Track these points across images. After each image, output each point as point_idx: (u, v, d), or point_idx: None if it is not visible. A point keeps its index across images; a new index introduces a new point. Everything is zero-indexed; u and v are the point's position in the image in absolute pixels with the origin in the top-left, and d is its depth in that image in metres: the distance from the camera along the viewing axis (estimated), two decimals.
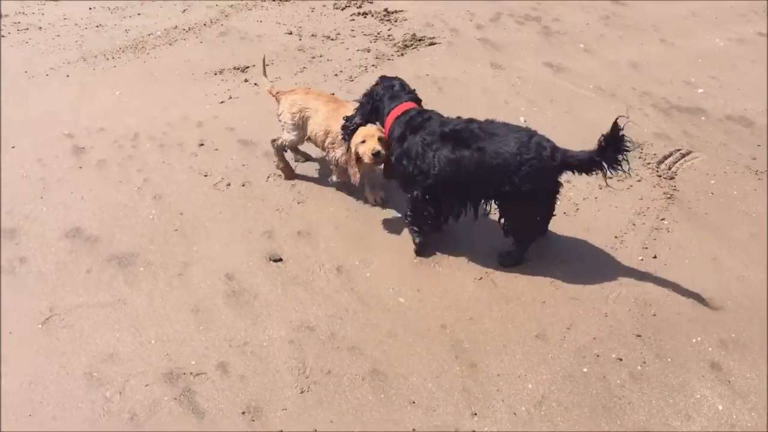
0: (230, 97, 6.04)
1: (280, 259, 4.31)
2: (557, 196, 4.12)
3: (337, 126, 4.52)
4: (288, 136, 4.79)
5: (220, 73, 6.45)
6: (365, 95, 4.51)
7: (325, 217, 4.66)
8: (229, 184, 4.95)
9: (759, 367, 3.55)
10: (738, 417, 3.31)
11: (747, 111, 5.77)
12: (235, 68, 6.52)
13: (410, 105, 4.37)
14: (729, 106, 5.85)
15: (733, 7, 7.95)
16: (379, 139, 4.27)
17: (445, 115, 4.29)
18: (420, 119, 4.21)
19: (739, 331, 3.76)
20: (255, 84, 6.24)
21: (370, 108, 4.45)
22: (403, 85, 4.51)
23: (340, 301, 4.00)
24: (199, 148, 5.35)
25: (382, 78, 4.57)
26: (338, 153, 4.61)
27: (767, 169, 4.95)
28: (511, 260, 4.27)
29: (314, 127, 4.67)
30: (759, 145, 5.30)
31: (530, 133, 3.98)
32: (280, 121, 4.79)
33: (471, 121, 4.12)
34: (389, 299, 4.02)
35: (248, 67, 6.53)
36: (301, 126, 4.73)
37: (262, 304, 3.99)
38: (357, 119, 4.37)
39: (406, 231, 4.51)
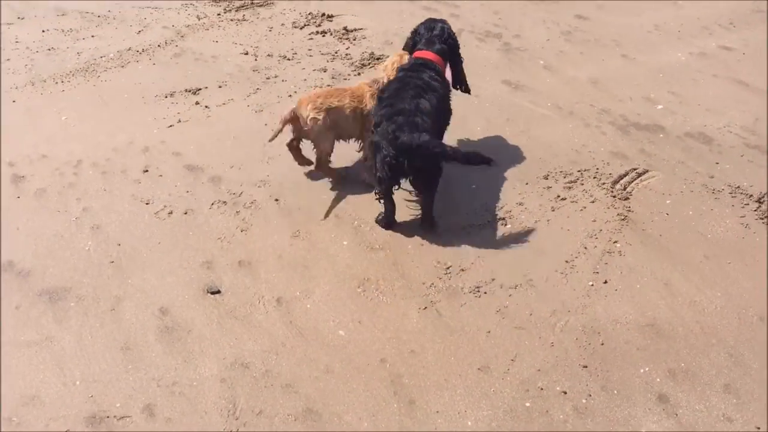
0: (179, 121, 5.88)
1: (218, 291, 4.15)
2: None
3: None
4: None
5: (171, 95, 6.29)
6: (412, 32, 5.02)
7: (268, 245, 4.50)
8: (171, 213, 4.79)
9: (708, 398, 3.42)
10: None
11: (706, 127, 5.68)
12: (186, 90, 6.36)
13: (426, 55, 4.70)
14: (688, 122, 5.76)
15: (699, 19, 7.90)
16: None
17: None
18: (395, 80, 4.59)
19: (689, 360, 3.63)
20: (206, 107, 6.09)
21: (411, 47, 4.92)
22: (442, 32, 4.81)
23: (277, 335, 3.84)
24: (143, 175, 5.18)
25: (429, 19, 5.02)
26: None
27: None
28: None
29: None
30: (717, 163, 5.21)
31: None
32: None
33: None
34: (329, 332, 3.86)
35: (200, 89, 6.38)
36: None
37: (195, 340, 3.82)
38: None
39: (350, 257, 4.36)
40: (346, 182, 5.05)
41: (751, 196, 4.82)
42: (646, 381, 3.52)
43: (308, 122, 4.73)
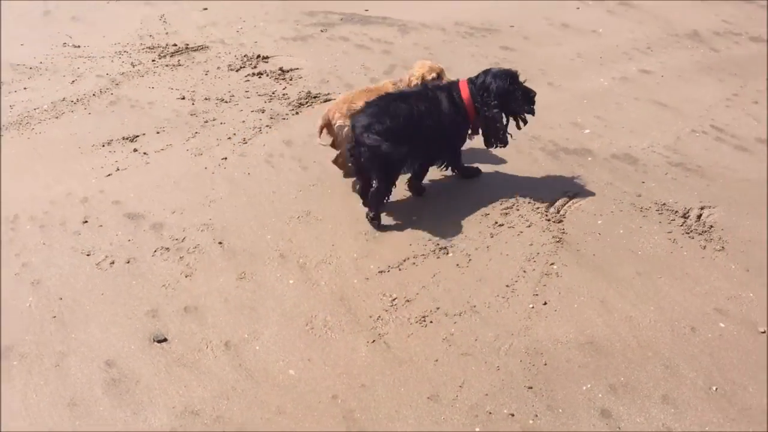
0: (118, 169, 5.86)
1: (165, 340, 4.13)
2: None
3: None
4: None
5: (109, 144, 6.27)
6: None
7: (214, 289, 4.51)
8: (113, 263, 4.75)
9: (648, 410, 3.56)
10: None
11: (631, 148, 5.95)
12: (124, 138, 6.35)
13: (461, 84, 5.15)
14: (614, 144, 6.03)
15: (618, 46, 8.28)
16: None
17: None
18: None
19: (628, 374, 3.78)
20: (144, 153, 6.08)
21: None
22: (488, 76, 5.09)
23: (227, 379, 3.84)
24: (83, 226, 5.14)
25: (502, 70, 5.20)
26: None
27: None
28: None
29: None
30: (643, 182, 5.45)
31: None
32: None
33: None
34: (279, 373, 3.89)
35: (138, 136, 6.38)
36: None
37: (143, 391, 3.79)
38: None
39: (297, 296, 4.41)
40: (291, 220, 5.10)
41: (677, 212, 5.06)
42: (588, 397, 3.65)
43: (335, 129, 5.09)
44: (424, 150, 5.10)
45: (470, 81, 5.14)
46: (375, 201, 5.00)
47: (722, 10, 9.30)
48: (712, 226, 4.90)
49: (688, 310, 4.18)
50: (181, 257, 4.79)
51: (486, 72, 5.13)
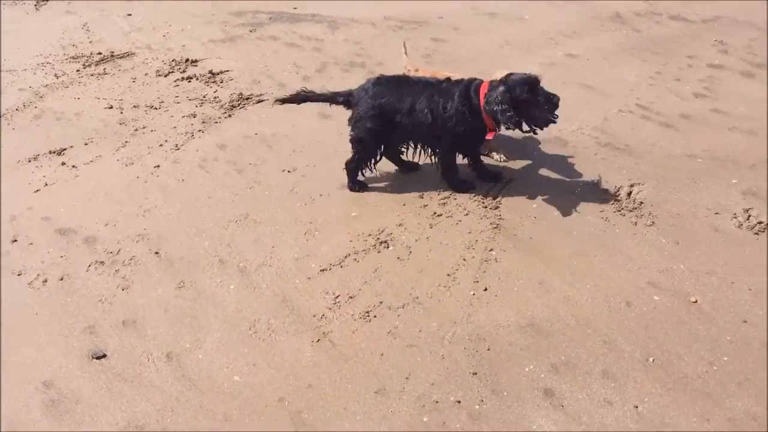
0: (46, 185, 5.68)
1: (104, 355, 4.03)
2: None
3: None
4: None
5: (35, 159, 6.07)
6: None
7: (152, 300, 4.42)
8: (45, 281, 4.61)
9: (589, 386, 3.65)
10: None
11: (561, 131, 6.08)
12: (51, 152, 6.16)
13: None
14: (544, 129, 6.11)
15: (545, 32, 8.43)
16: None
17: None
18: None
19: (568, 352, 3.86)
20: (73, 166, 5.91)
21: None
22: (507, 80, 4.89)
23: (170, 391, 3.78)
24: (12, 245, 4.97)
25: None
26: None
27: None
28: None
29: None
30: (574, 164, 5.57)
31: None
32: None
33: None
34: (224, 380, 3.84)
35: (65, 149, 6.20)
36: None
37: (84, 410, 3.69)
38: None
39: (238, 301, 4.36)
40: (229, 225, 5.04)
41: (608, 191, 5.20)
42: (531, 378, 3.72)
43: None
44: (417, 139, 5.23)
45: (491, 84, 4.96)
46: (347, 169, 5.37)
47: None
48: (642, 203, 5.04)
49: (622, 286, 4.29)
50: (116, 270, 4.68)
51: (507, 77, 4.91)
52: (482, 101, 4.91)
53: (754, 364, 3.73)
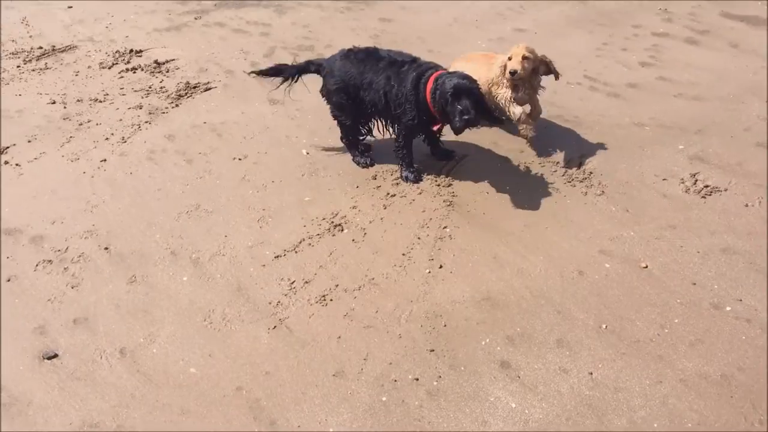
0: None
1: (56, 355, 3.94)
2: None
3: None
4: None
5: None
6: None
7: (103, 296, 4.33)
8: None
9: (544, 356, 3.69)
10: (530, 411, 3.42)
11: None
12: None
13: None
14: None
15: (492, 7, 8.43)
16: (524, 57, 4.97)
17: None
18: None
19: (523, 324, 3.90)
20: (17, 164, 5.75)
21: None
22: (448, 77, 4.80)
23: (125, 387, 3.71)
24: None
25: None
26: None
27: None
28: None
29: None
30: (524, 138, 5.59)
31: None
32: None
33: None
34: (179, 373, 3.79)
35: (8, 147, 6.01)
36: None
37: (37, 411, 3.61)
38: None
39: (192, 292, 4.30)
40: (180, 216, 4.96)
41: (558, 162, 5.24)
42: (488, 352, 3.75)
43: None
44: (379, 115, 5.25)
45: (438, 78, 4.84)
46: (345, 144, 5.50)
47: None
48: (591, 173, 5.10)
49: (574, 255, 4.34)
50: (65, 268, 4.57)
51: (450, 74, 4.83)
52: (428, 95, 4.84)
53: (704, 324, 3.80)
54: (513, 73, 4.92)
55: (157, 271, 4.51)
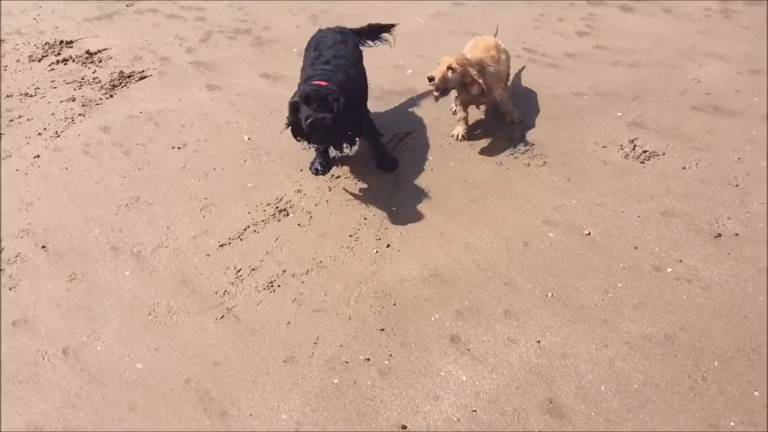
0: None
1: None
2: None
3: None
4: None
5: None
6: None
7: (42, 296, 4.21)
8: None
9: (492, 327, 3.71)
10: (481, 383, 3.44)
11: None
12: None
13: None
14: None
15: None
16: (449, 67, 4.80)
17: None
18: None
19: (472, 297, 3.91)
20: None
21: None
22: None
23: (69, 387, 3.62)
24: None
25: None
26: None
27: None
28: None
29: None
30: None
31: None
32: None
33: None
34: (125, 369, 3.71)
35: None
36: None
37: None
38: None
39: (135, 286, 4.20)
40: (119, 210, 4.83)
41: (500, 136, 5.25)
42: (438, 327, 3.75)
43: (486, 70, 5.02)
44: None
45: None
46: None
47: None
48: (533, 144, 5.13)
49: (519, 227, 4.37)
50: (1, 269, 4.42)
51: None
52: None
53: (646, 287, 3.87)
54: (430, 79, 4.84)
55: (97, 267, 4.40)
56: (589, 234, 4.26)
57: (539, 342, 3.61)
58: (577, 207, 4.49)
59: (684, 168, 4.74)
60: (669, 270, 3.96)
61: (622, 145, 5.03)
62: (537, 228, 4.35)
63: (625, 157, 4.92)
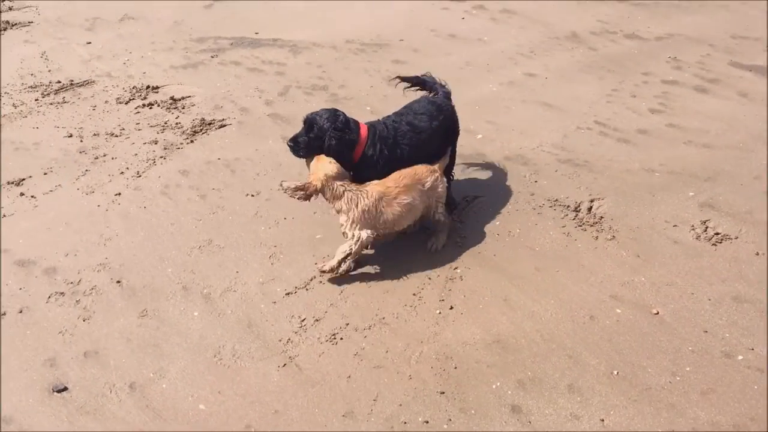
0: (4, 216, 5.57)
1: (65, 388, 3.95)
2: None
3: None
4: None
5: None
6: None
7: (114, 330, 4.35)
8: (4, 314, 4.51)
9: (555, 401, 3.67)
10: None
11: (522, 149, 6.16)
12: (9, 183, 6.05)
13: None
14: (506, 147, 6.22)
15: (503, 52, 8.55)
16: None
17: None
18: None
19: (534, 368, 3.88)
20: (32, 196, 5.81)
21: None
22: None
23: (134, 422, 3.71)
24: None
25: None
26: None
27: None
28: None
29: None
30: (536, 181, 5.64)
31: None
32: None
33: None
34: (189, 409, 3.78)
35: (24, 179, 6.09)
36: None
37: None
38: None
39: (202, 328, 4.30)
40: (192, 251, 4.99)
41: (569, 206, 5.27)
42: (498, 395, 3.73)
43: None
44: None
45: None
46: None
47: (598, 11, 9.79)
48: (602, 217, 5.12)
49: (585, 300, 4.34)
50: (77, 301, 4.60)
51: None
52: None
53: (716, 373, 3.78)
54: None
55: (168, 305, 4.53)
56: (658, 313, 4.21)
57: (603, 420, 3.55)
58: (645, 285, 4.45)
59: (757, 254, 4.66)
60: (740, 357, 3.86)
61: (693, 226, 4.98)
62: (604, 302, 4.32)
63: (697, 238, 4.86)
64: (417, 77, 5.40)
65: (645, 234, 4.93)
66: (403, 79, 5.44)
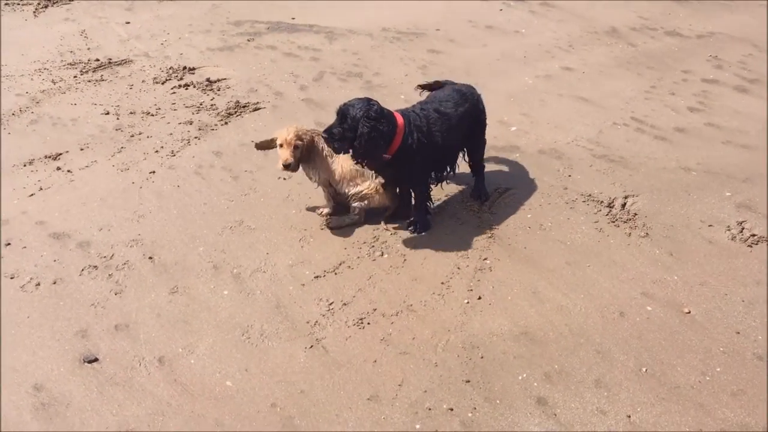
0: (41, 189, 5.67)
1: (96, 359, 4.01)
2: None
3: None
4: None
5: (30, 163, 6.06)
6: None
7: (145, 305, 4.41)
8: (38, 284, 4.59)
9: (582, 395, 3.64)
10: None
11: (557, 143, 6.10)
12: (46, 157, 6.15)
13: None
14: (540, 140, 6.17)
15: (540, 45, 8.48)
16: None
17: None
18: None
19: (562, 361, 3.86)
20: (68, 171, 5.91)
21: None
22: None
23: (162, 395, 3.76)
24: (5, 249, 4.95)
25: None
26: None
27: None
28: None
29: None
30: (569, 176, 5.59)
31: None
32: None
33: None
34: (216, 385, 3.82)
35: (61, 153, 6.19)
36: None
37: (75, 413, 3.67)
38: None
39: (231, 306, 4.35)
40: (223, 231, 5.04)
41: (602, 202, 5.21)
42: (524, 387, 3.71)
43: None
44: None
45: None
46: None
47: (638, 7, 9.66)
48: (636, 214, 5.06)
49: (616, 296, 4.30)
50: (110, 275, 4.66)
51: None
52: None
53: (747, 375, 3.73)
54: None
55: (198, 283, 4.58)
56: (689, 313, 4.15)
57: (629, 417, 3.52)
58: (678, 283, 4.39)
59: None
60: None
61: (729, 226, 4.90)
62: (634, 299, 4.27)
63: (732, 239, 4.78)
64: (437, 81, 5.35)
65: (679, 233, 4.86)
66: (424, 87, 5.40)
